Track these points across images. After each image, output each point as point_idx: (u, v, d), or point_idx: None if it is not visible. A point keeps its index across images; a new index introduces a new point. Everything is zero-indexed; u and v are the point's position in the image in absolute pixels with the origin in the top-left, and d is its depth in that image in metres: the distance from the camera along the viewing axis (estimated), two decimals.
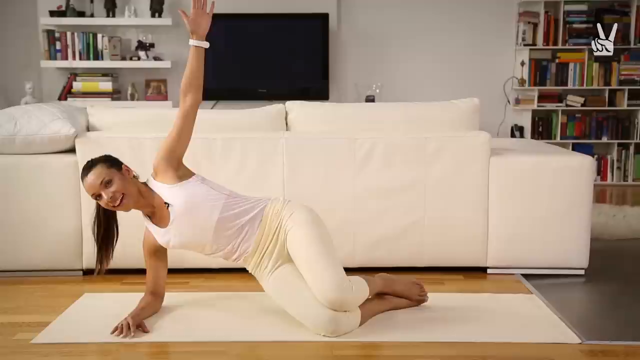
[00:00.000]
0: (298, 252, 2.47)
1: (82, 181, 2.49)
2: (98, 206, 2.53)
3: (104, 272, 2.63)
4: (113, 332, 2.43)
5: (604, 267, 3.31)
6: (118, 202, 2.45)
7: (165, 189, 2.50)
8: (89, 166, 2.49)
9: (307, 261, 2.44)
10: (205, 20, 2.51)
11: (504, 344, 2.37)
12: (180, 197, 2.48)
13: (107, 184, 2.44)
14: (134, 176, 2.55)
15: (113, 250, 2.61)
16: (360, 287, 2.47)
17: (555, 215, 3.13)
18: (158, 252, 2.63)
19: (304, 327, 2.44)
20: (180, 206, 2.48)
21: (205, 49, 2.54)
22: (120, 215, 2.60)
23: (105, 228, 2.57)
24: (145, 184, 2.56)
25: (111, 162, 2.51)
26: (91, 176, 2.45)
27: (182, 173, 2.54)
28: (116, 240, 2.61)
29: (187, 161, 3.08)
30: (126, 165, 2.54)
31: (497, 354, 2.29)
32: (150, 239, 2.60)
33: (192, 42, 2.51)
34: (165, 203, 2.50)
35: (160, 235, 2.55)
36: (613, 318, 2.70)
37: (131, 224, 2.68)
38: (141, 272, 2.81)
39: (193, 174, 2.58)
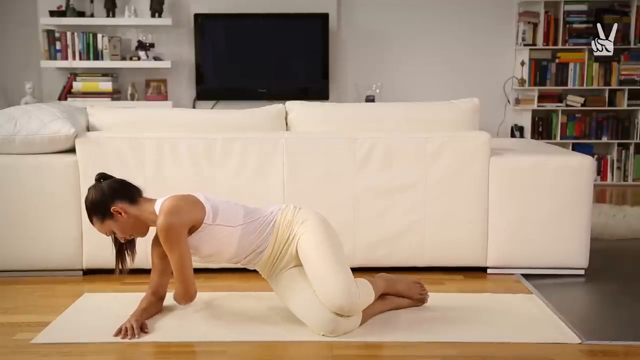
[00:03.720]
0: (307, 258, 2.46)
1: None
2: None
3: (127, 272, 2.60)
4: (117, 334, 2.41)
5: (604, 267, 3.31)
6: (130, 238, 2.53)
7: None
8: (87, 216, 2.51)
9: (315, 267, 2.43)
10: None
11: (504, 344, 2.37)
12: (194, 245, 2.47)
13: (112, 233, 2.50)
14: (131, 201, 2.46)
15: (133, 252, 2.58)
16: (367, 292, 2.48)
17: (555, 215, 3.13)
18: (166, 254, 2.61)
19: (303, 327, 2.44)
20: (196, 251, 2.50)
21: None
22: None
23: None
24: (152, 202, 2.50)
25: (102, 213, 2.45)
26: (96, 227, 2.51)
27: (191, 226, 2.44)
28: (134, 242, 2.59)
29: (187, 161, 3.08)
30: (115, 207, 2.43)
31: (497, 354, 2.29)
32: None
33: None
34: None
35: None
36: (613, 318, 2.70)
37: None
38: (141, 272, 2.81)
39: (202, 215, 2.44)
